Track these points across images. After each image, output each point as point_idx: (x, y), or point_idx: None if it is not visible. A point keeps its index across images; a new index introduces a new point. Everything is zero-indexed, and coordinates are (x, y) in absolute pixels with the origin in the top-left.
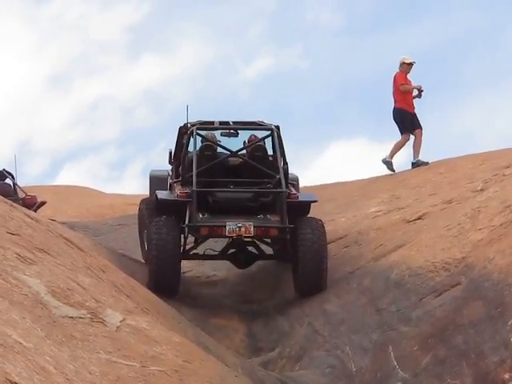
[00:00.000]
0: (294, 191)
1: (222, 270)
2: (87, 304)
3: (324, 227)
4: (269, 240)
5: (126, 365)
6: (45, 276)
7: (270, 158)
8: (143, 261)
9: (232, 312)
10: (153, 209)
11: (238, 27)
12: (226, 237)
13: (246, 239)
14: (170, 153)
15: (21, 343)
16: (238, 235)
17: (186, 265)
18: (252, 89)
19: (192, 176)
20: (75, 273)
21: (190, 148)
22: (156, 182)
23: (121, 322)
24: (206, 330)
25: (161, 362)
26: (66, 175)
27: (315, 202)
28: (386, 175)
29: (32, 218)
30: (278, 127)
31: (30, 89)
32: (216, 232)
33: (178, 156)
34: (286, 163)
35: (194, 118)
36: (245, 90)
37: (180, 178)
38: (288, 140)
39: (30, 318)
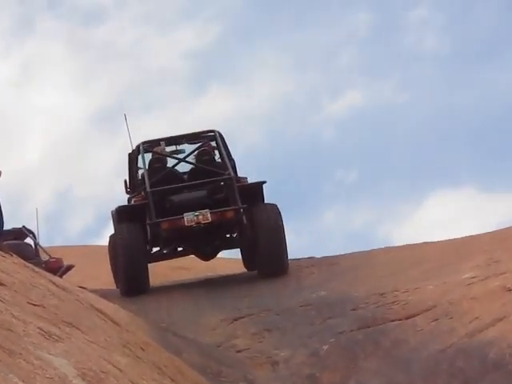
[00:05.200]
0: (242, 178)
1: (286, 347)
2: None
3: (279, 211)
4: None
5: None
6: (74, 355)
7: (218, 160)
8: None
9: None
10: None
11: (323, 55)
12: (186, 227)
13: (207, 232)
14: (126, 182)
15: None
16: (196, 223)
17: (241, 342)
18: (338, 127)
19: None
20: (110, 352)
21: (140, 165)
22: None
23: None
24: None
25: None
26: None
27: (264, 182)
28: (484, 234)
29: (58, 286)
30: (218, 132)
31: (73, 128)
32: (176, 224)
33: (133, 183)
34: (231, 159)
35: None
36: (330, 128)
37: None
38: (379, 192)
39: None
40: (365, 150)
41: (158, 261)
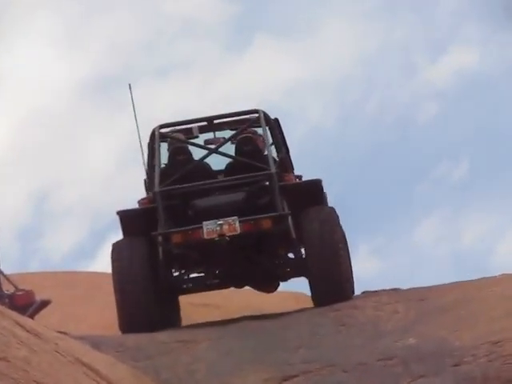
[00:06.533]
0: (289, 175)
1: None
2: None
3: (337, 215)
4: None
5: None
6: None
7: (266, 153)
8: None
9: None
10: None
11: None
12: (205, 241)
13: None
14: (145, 180)
15: None
16: (219, 235)
17: None
18: (441, 100)
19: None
20: None
21: (159, 157)
22: None
23: None
24: None
25: None
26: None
27: (320, 181)
28: None
29: (28, 331)
30: (264, 113)
31: (56, 103)
32: (191, 237)
33: (153, 180)
34: (281, 151)
35: None
36: (428, 101)
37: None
38: (499, 193)
39: None
40: (480, 132)
41: (181, 293)
